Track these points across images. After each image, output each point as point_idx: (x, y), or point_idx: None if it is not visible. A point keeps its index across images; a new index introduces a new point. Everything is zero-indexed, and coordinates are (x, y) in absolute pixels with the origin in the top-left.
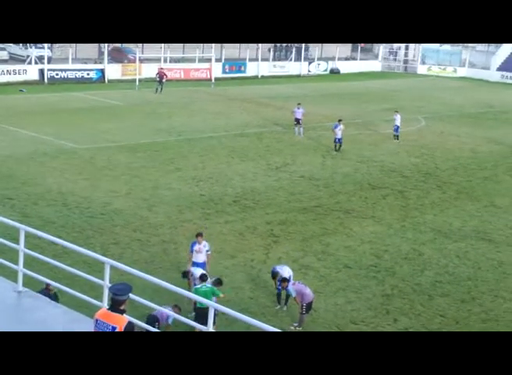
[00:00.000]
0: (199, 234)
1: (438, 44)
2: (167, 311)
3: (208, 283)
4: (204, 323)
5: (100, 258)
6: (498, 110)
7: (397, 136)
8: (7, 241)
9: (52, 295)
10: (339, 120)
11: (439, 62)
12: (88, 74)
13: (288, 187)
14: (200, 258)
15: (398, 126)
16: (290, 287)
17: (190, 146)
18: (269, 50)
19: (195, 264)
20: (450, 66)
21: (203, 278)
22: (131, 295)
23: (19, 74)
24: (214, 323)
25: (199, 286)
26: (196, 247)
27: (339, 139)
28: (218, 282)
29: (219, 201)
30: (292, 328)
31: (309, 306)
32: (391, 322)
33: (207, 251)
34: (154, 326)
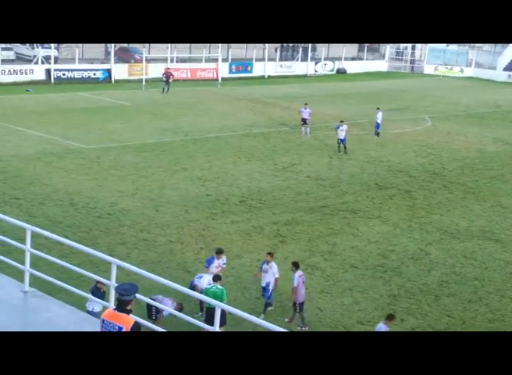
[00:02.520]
0: (220, 252)
1: (444, 44)
2: (165, 308)
3: (219, 285)
4: (213, 323)
5: (106, 259)
6: (505, 110)
7: (378, 133)
8: (14, 241)
9: (103, 293)
10: (341, 121)
11: (445, 62)
12: (95, 74)
13: (294, 187)
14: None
15: (379, 124)
16: (297, 275)
17: (197, 146)
18: (276, 50)
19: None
20: (457, 66)
21: (215, 279)
22: (137, 295)
23: (25, 74)
24: (225, 322)
25: (209, 286)
26: (215, 263)
27: (341, 140)
28: (217, 278)
29: (226, 202)
30: (299, 329)
31: (301, 305)
32: (398, 322)
33: (223, 264)
34: (151, 311)
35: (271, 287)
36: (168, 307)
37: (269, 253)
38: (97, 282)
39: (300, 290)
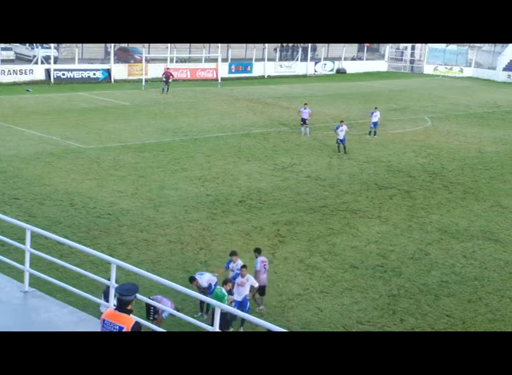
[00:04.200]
0: (232, 254)
1: (444, 44)
2: (164, 307)
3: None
4: (222, 325)
5: (106, 259)
6: (504, 110)
7: (375, 131)
8: (13, 241)
9: None
10: (341, 121)
11: (445, 62)
12: (94, 74)
13: (294, 187)
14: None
15: (376, 123)
16: (259, 260)
17: (197, 146)
18: (275, 50)
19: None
20: (457, 66)
21: (224, 282)
22: (138, 295)
23: (25, 74)
24: (230, 326)
25: (215, 288)
26: (231, 265)
27: (341, 140)
28: (224, 282)
29: (225, 202)
30: (257, 310)
31: (259, 289)
32: (397, 322)
33: (237, 269)
34: (149, 312)
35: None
36: (167, 307)
37: (244, 266)
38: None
39: (261, 274)
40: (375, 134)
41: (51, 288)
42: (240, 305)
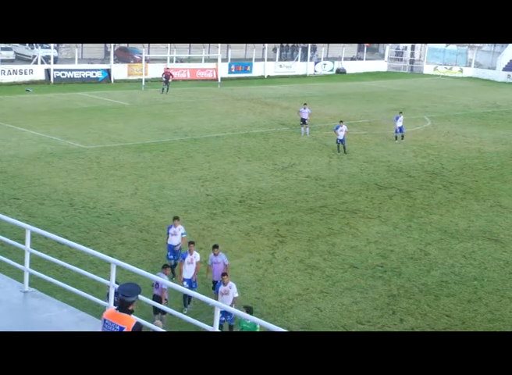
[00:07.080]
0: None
1: (444, 44)
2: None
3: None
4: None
5: (106, 259)
6: (504, 110)
7: (402, 136)
8: (13, 241)
9: None
10: (341, 121)
11: (445, 62)
12: (94, 74)
13: (294, 187)
14: (175, 240)
15: (401, 127)
16: (224, 256)
17: (196, 146)
18: (274, 50)
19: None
20: (456, 66)
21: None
22: (140, 296)
23: (25, 74)
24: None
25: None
26: (171, 230)
27: (341, 140)
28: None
29: (225, 202)
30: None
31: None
32: (397, 322)
33: (183, 234)
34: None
35: (234, 308)
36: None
37: (224, 274)
38: None
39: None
40: (402, 138)
41: (51, 288)
42: (225, 314)
